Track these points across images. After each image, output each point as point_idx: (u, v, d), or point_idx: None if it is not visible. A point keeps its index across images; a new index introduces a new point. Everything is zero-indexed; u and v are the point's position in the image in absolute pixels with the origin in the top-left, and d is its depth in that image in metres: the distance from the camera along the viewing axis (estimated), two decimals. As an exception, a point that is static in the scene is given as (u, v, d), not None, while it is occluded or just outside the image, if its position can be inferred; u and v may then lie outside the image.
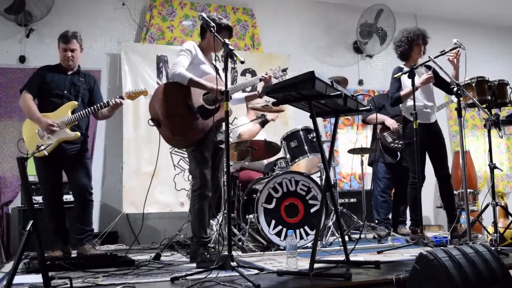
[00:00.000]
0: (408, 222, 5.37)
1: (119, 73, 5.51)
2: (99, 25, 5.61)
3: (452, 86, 3.63)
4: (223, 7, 6.14)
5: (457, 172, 6.41)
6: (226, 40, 2.97)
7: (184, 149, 5.35)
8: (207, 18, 3.13)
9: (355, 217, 4.67)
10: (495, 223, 3.58)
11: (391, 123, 5.02)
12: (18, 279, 2.57)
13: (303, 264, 2.94)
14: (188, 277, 2.60)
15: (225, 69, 2.88)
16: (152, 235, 5.15)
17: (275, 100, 2.91)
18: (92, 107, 3.85)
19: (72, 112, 3.82)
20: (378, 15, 6.47)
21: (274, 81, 3.60)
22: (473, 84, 3.69)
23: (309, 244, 3.89)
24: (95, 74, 4.86)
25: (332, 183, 4.59)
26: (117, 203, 5.32)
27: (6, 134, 5.06)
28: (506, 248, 3.45)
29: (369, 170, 5.29)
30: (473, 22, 7.31)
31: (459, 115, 3.55)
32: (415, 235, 4.05)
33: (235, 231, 4.07)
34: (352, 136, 6.45)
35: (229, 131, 3.01)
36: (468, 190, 4.88)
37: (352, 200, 5.65)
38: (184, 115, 3.25)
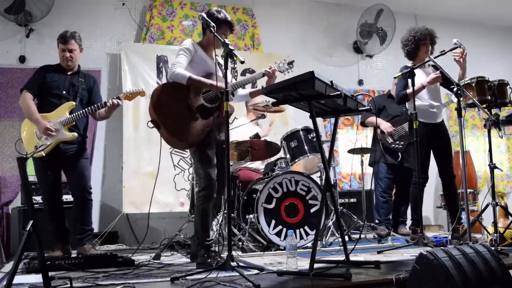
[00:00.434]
0: (409, 222, 5.39)
1: (119, 73, 5.51)
2: (99, 25, 5.61)
3: (452, 86, 3.63)
4: (223, 7, 6.12)
5: (457, 172, 6.38)
6: (226, 40, 2.96)
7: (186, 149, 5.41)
8: (207, 18, 3.11)
9: (355, 217, 4.67)
10: (495, 223, 3.58)
11: (386, 127, 5.02)
12: (18, 279, 2.57)
13: (303, 264, 2.94)
14: (188, 277, 2.60)
15: (225, 69, 2.88)
16: (152, 235, 5.14)
17: (275, 100, 2.91)
18: (89, 108, 3.84)
19: (70, 113, 3.82)
20: (378, 15, 6.47)
21: (278, 74, 3.51)
22: (473, 84, 3.69)
23: (309, 244, 3.89)
24: (95, 74, 4.86)
25: (332, 183, 4.60)
26: (117, 203, 5.32)
27: (6, 134, 5.06)
28: (506, 248, 3.45)
29: (369, 170, 5.29)
30: (473, 22, 7.31)
31: (459, 115, 3.55)
32: (415, 235, 4.05)
33: (235, 231, 4.07)
34: (352, 136, 6.45)
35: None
36: (468, 190, 4.87)
37: (352, 200, 5.65)
38: (183, 117, 3.19)
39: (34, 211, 2.38)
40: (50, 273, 2.36)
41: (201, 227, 3.21)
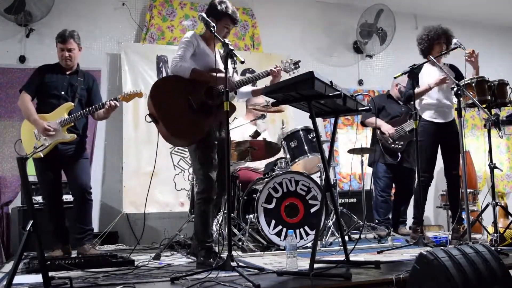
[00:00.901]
0: (409, 222, 5.39)
1: (119, 73, 5.51)
2: (99, 25, 5.61)
3: (452, 86, 3.63)
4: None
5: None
6: (226, 40, 2.95)
7: (186, 148, 5.40)
8: (207, 19, 3.09)
9: (355, 217, 4.67)
10: (495, 223, 3.58)
11: (387, 129, 5.01)
12: (18, 279, 2.56)
13: (303, 264, 2.93)
14: (188, 277, 2.60)
15: (225, 69, 2.87)
16: (152, 235, 5.15)
17: (274, 100, 2.91)
18: (87, 109, 3.83)
19: (69, 113, 3.82)
20: (378, 15, 6.47)
21: (284, 74, 3.43)
22: (473, 84, 3.69)
23: (309, 244, 3.89)
24: (95, 74, 4.85)
25: (332, 183, 4.59)
26: (117, 203, 5.32)
27: (6, 134, 5.06)
28: (506, 248, 3.45)
29: (369, 170, 5.29)
30: (473, 22, 7.31)
31: (459, 115, 3.56)
32: (415, 234, 4.05)
33: (235, 231, 4.07)
34: (352, 136, 6.44)
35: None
36: (468, 190, 4.88)
37: (352, 200, 5.65)
38: (183, 113, 3.10)
39: (34, 211, 2.39)
40: (50, 273, 2.37)
41: (201, 228, 3.19)
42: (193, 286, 2.43)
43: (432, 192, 6.42)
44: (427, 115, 4.29)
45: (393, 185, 5.28)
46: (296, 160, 4.31)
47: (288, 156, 4.37)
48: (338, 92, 2.75)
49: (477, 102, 3.60)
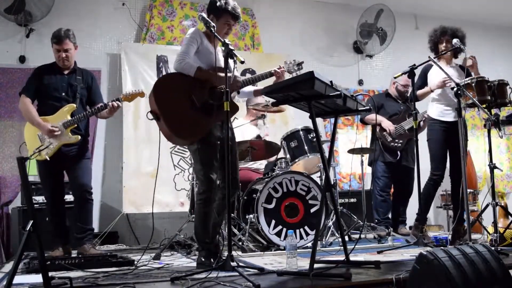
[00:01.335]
0: (409, 222, 5.39)
1: (119, 73, 5.51)
2: (99, 25, 5.61)
3: (452, 86, 3.63)
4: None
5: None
6: (226, 40, 2.94)
7: (186, 148, 5.40)
8: (207, 19, 3.09)
9: (355, 217, 4.67)
10: (495, 223, 3.58)
11: (388, 125, 5.02)
12: (18, 279, 2.57)
13: (303, 264, 2.93)
14: (188, 277, 2.60)
15: (225, 69, 2.87)
16: (152, 235, 5.14)
17: (274, 100, 2.90)
18: (90, 110, 3.84)
19: (72, 115, 3.82)
20: (378, 15, 6.47)
21: (287, 76, 3.39)
22: (473, 84, 3.68)
23: (309, 244, 3.89)
24: (95, 74, 4.85)
25: (332, 183, 4.59)
26: (117, 203, 5.32)
27: (6, 134, 5.06)
28: (506, 248, 3.45)
29: (369, 170, 5.29)
30: (473, 22, 7.31)
31: (459, 115, 3.56)
32: (416, 232, 4.04)
33: (235, 231, 4.07)
34: (352, 136, 6.44)
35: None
36: (468, 190, 4.87)
37: (352, 200, 5.65)
38: (185, 111, 3.05)
39: (34, 211, 2.38)
40: (50, 273, 2.36)
41: (201, 229, 3.15)
42: (193, 286, 2.42)
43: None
44: (435, 114, 4.29)
45: (392, 185, 5.28)
46: (296, 160, 4.31)
47: (288, 156, 4.38)
48: (338, 92, 2.75)
49: (477, 102, 3.59)
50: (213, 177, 3.12)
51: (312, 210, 4.03)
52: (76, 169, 3.88)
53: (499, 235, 3.52)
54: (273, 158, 4.70)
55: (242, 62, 2.86)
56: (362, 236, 4.49)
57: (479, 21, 7.34)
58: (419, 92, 4.18)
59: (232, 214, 4.09)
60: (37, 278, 2.50)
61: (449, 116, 4.21)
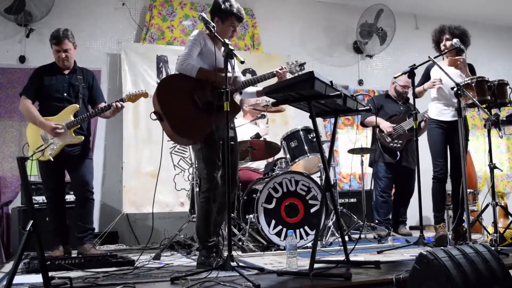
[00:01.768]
0: (409, 222, 5.39)
1: (119, 73, 5.51)
2: (99, 25, 5.61)
3: (452, 86, 3.63)
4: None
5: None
6: (227, 40, 2.95)
7: (187, 147, 5.40)
8: (207, 19, 3.10)
9: (355, 217, 4.67)
10: (495, 223, 3.58)
11: (386, 126, 5.02)
12: (18, 279, 2.56)
13: (303, 264, 2.93)
14: (188, 277, 2.60)
15: (225, 69, 2.87)
16: (152, 235, 5.13)
17: (274, 100, 2.90)
18: (94, 110, 3.85)
19: (74, 115, 3.82)
20: (378, 15, 6.47)
21: (289, 77, 3.39)
22: (473, 84, 3.68)
23: (309, 244, 3.89)
24: (95, 74, 4.85)
25: (332, 183, 4.59)
26: (117, 203, 5.33)
27: (6, 134, 5.06)
28: (506, 248, 3.45)
29: (369, 170, 5.29)
30: (473, 22, 7.30)
31: (459, 115, 3.55)
32: (441, 230, 4.07)
33: (235, 231, 4.07)
34: (352, 136, 6.44)
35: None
36: (468, 190, 4.87)
37: (352, 200, 5.65)
38: (188, 111, 3.07)
39: (34, 211, 2.39)
40: (50, 273, 2.36)
41: (203, 228, 3.16)
42: (193, 286, 2.42)
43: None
44: (433, 114, 4.28)
45: (393, 185, 5.28)
46: (296, 160, 4.31)
47: (288, 156, 4.38)
48: (338, 92, 2.75)
49: (477, 102, 3.59)
50: (216, 176, 3.15)
51: (312, 210, 4.03)
52: (79, 169, 3.89)
53: (499, 235, 3.52)
54: (272, 158, 4.69)
55: (242, 62, 2.87)
56: (362, 236, 4.49)
57: (479, 21, 7.34)
58: (416, 89, 4.19)
59: (232, 214, 4.09)
60: (37, 278, 2.50)
61: (447, 115, 4.20)
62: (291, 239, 2.92)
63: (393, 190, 5.30)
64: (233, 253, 2.72)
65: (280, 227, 3.91)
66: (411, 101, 4.48)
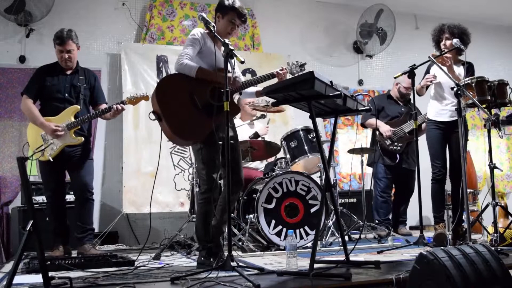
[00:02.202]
0: (409, 222, 5.39)
1: (119, 73, 5.51)
2: (99, 25, 5.61)
3: (452, 86, 3.63)
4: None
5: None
6: (227, 40, 2.94)
7: (187, 147, 5.40)
8: (207, 19, 3.09)
9: (355, 217, 4.67)
10: (495, 223, 3.58)
11: (385, 130, 5.00)
12: (18, 279, 2.57)
13: (303, 264, 2.94)
14: (188, 277, 2.60)
15: (225, 69, 2.87)
16: (152, 235, 5.14)
17: (274, 100, 2.90)
18: (95, 112, 3.85)
19: (75, 116, 3.82)
20: (378, 15, 6.47)
21: (289, 77, 3.35)
22: (473, 84, 3.68)
23: (309, 244, 3.89)
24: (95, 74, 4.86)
25: (332, 183, 4.60)
26: (117, 203, 5.33)
27: (6, 134, 5.06)
28: (506, 248, 3.44)
29: (369, 170, 5.30)
30: (473, 22, 7.29)
31: (459, 115, 3.55)
32: (440, 230, 4.06)
33: (235, 231, 4.07)
34: (352, 136, 6.45)
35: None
36: (468, 190, 4.87)
37: (352, 200, 5.65)
38: (187, 111, 3.05)
39: (34, 211, 2.39)
40: (50, 273, 2.36)
41: (202, 229, 3.15)
42: (193, 286, 2.42)
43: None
44: (431, 114, 4.28)
45: (393, 186, 5.27)
46: (296, 160, 4.31)
47: (288, 156, 4.38)
48: (338, 92, 2.75)
49: (477, 102, 3.59)
50: (215, 177, 3.13)
51: (312, 210, 4.03)
52: (79, 169, 3.89)
53: (499, 235, 3.52)
54: (272, 159, 4.69)
55: (242, 62, 2.86)
56: (362, 236, 4.49)
57: (479, 21, 7.34)
58: (417, 86, 4.20)
59: (232, 214, 4.09)
60: (37, 278, 2.50)
61: (444, 116, 4.20)
62: (291, 239, 2.92)
63: (393, 190, 5.30)
64: (233, 253, 2.72)
65: (280, 227, 3.91)
66: (412, 101, 4.47)
